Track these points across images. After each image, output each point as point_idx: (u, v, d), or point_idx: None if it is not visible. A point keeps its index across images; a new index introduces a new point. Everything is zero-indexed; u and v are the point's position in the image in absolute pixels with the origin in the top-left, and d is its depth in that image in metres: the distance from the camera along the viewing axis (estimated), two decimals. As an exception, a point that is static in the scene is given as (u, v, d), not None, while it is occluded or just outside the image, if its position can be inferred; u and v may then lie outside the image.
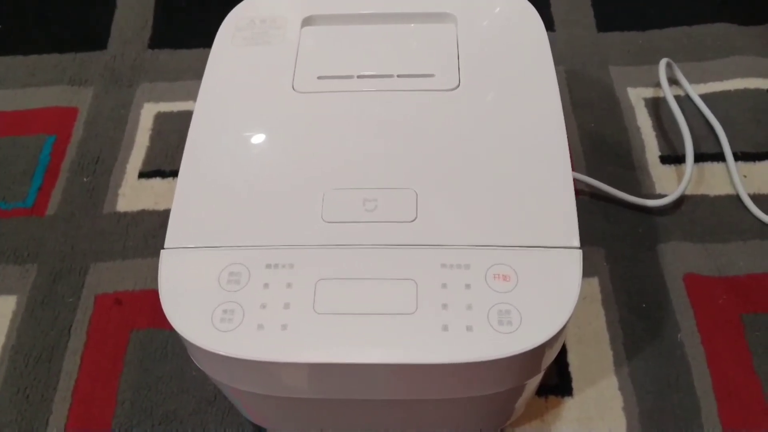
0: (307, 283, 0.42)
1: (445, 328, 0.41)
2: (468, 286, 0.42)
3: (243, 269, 0.43)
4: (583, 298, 0.64)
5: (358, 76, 0.52)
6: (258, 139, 0.50)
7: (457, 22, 0.55)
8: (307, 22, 0.56)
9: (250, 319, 0.41)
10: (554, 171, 0.47)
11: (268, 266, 0.43)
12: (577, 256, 0.43)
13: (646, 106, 0.78)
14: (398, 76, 0.52)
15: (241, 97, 0.52)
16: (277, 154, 0.49)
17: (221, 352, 0.41)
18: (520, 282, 0.42)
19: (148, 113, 0.80)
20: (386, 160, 0.48)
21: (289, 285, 0.42)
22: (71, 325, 0.64)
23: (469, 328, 0.40)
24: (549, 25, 0.85)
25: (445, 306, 0.41)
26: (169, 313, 0.42)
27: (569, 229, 0.44)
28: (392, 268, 0.43)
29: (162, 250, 0.44)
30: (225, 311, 0.42)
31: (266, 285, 0.42)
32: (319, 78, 0.52)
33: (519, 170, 0.47)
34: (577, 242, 0.43)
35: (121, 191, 0.74)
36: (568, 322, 0.41)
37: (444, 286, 0.42)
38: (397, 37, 0.55)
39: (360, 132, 0.49)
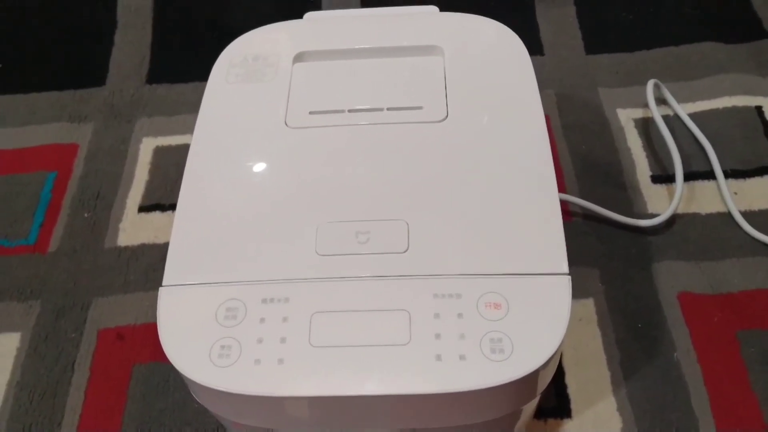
0: (302, 317, 0.43)
1: (438, 358, 0.41)
2: (460, 315, 0.43)
3: (239, 304, 0.44)
4: (579, 319, 0.65)
5: (349, 110, 0.53)
6: (252, 175, 0.51)
7: (444, 54, 0.56)
8: (299, 58, 0.58)
9: (247, 354, 0.42)
10: (541, 198, 0.48)
11: (264, 301, 0.44)
12: (566, 282, 0.44)
13: (636, 126, 0.79)
14: (388, 109, 0.53)
15: (236, 134, 0.53)
16: (271, 189, 0.50)
17: (220, 388, 0.41)
18: (511, 310, 0.43)
19: (147, 147, 0.81)
20: (378, 192, 0.49)
21: (285, 319, 0.43)
22: (75, 361, 0.65)
23: (462, 357, 0.41)
24: (538, 49, 0.87)
25: (438, 336, 0.42)
26: (169, 351, 0.43)
27: (558, 256, 0.45)
28: (386, 300, 0.44)
29: (160, 288, 0.45)
30: (222, 347, 0.42)
31: (262, 320, 0.43)
32: (311, 113, 0.53)
33: (507, 198, 0.48)
34: (565, 268, 0.44)
35: (121, 226, 0.75)
36: (559, 347, 0.42)
37: (437, 316, 0.43)
38: (386, 70, 0.56)
39: (351, 165, 0.50)
